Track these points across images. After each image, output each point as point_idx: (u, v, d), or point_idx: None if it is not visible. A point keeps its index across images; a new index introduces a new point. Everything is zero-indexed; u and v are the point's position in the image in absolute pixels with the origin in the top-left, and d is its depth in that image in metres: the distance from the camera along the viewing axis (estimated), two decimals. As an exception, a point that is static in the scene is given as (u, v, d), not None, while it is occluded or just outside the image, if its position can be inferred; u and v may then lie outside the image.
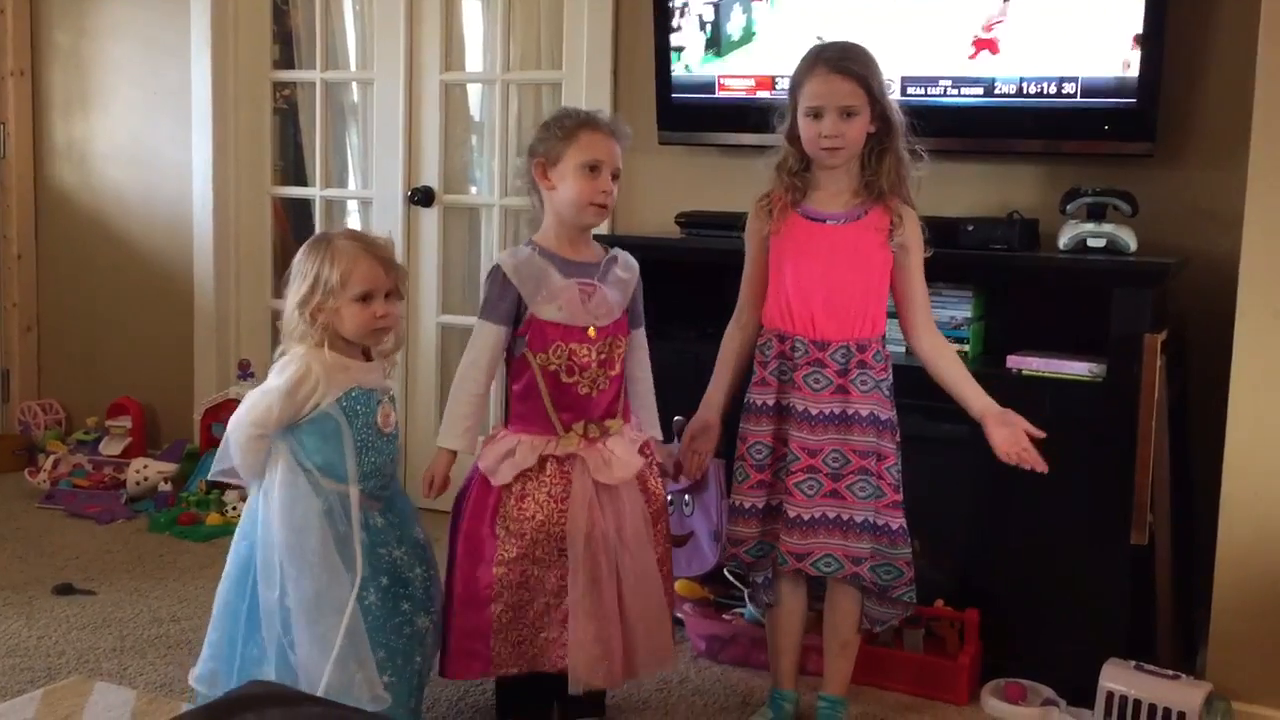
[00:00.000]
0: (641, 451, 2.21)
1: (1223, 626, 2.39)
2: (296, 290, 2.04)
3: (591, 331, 2.15)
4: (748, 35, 2.94)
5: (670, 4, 3.06)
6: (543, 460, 2.14)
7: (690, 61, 3.04)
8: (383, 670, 2.01)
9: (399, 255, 3.61)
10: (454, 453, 2.19)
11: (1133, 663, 2.33)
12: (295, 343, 2.05)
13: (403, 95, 3.69)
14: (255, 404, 2.01)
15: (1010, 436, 2.17)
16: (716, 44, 2.97)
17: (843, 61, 2.16)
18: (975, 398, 2.23)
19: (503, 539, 2.14)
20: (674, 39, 3.03)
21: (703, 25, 2.98)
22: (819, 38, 2.85)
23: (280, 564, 2.00)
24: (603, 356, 2.16)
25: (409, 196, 3.71)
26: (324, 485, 2.03)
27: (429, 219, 3.73)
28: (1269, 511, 2.33)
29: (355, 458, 2.03)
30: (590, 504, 2.12)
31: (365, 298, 2.03)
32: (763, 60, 2.95)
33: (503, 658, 2.16)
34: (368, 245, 2.06)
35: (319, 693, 1.91)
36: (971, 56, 2.72)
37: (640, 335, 2.29)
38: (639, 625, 2.15)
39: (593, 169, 2.12)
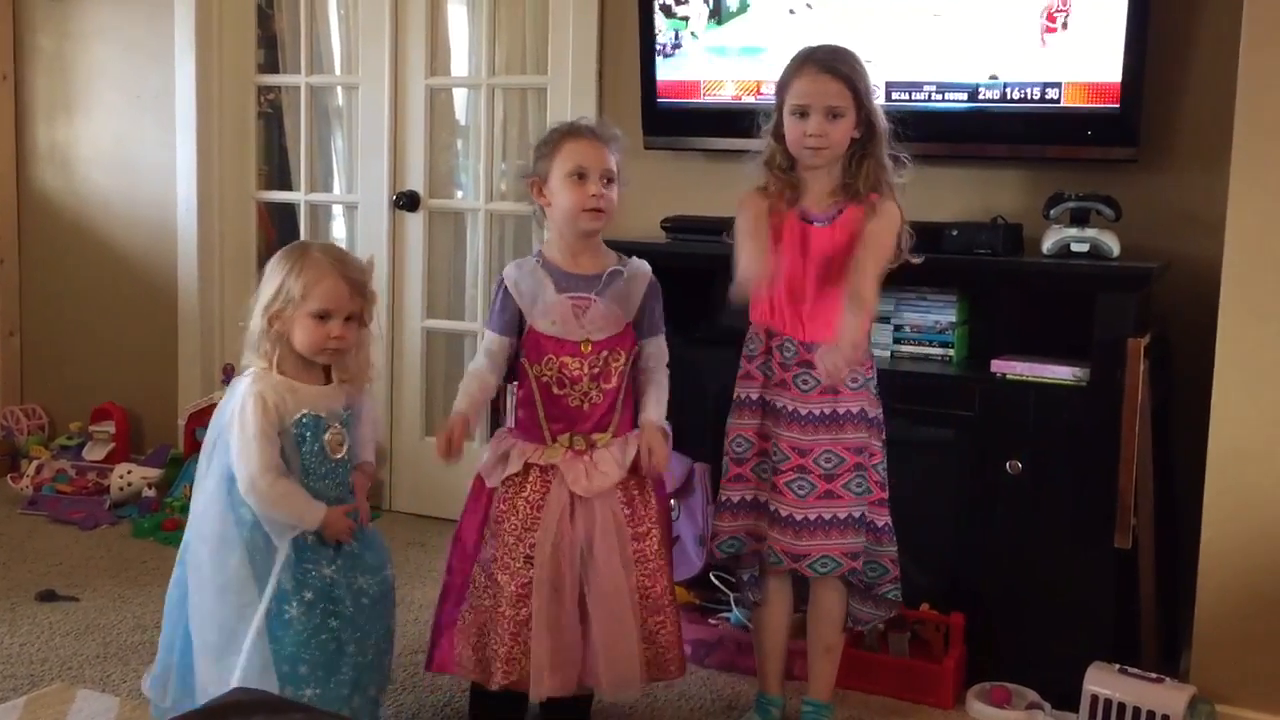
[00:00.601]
0: (634, 468, 2.21)
1: (1206, 629, 2.40)
2: (263, 294, 2.04)
3: (585, 346, 2.16)
4: (743, 6, 3.01)
5: (665, 26, 3.08)
6: (529, 468, 2.17)
7: (696, 29, 3.07)
8: (305, 684, 1.99)
9: (383, 260, 3.68)
10: (466, 418, 2.18)
11: (1117, 666, 2.34)
12: (251, 352, 2.04)
13: (388, 100, 3.69)
14: (250, 457, 1.97)
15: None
16: (718, 14, 3.04)
17: (831, 62, 2.18)
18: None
19: (486, 539, 2.18)
20: (679, 10, 3.08)
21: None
22: (807, 5, 2.88)
23: (198, 570, 2.02)
24: (595, 370, 2.17)
25: (394, 201, 3.71)
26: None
27: (414, 223, 3.72)
28: (1252, 515, 2.34)
29: (300, 482, 2.02)
30: (561, 515, 2.14)
31: (323, 315, 2.00)
32: (752, 33, 2.99)
33: (464, 659, 2.18)
34: (339, 263, 2.03)
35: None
36: (1042, 44, 2.71)
37: (654, 344, 2.25)
38: (602, 646, 2.14)
39: (580, 176, 2.14)
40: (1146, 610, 2.58)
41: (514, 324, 2.19)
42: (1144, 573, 2.55)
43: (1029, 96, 2.75)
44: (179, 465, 3.72)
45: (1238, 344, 2.34)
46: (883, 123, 2.22)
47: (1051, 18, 2.70)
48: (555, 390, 2.17)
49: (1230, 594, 2.37)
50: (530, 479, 2.16)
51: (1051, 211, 2.67)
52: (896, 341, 2.77)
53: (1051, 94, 2.73)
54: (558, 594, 2.13)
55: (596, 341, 2.17)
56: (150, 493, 3.66)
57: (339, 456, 2.06)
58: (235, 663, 1.97)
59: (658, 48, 3.11)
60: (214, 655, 2.01)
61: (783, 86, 2.22)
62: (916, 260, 2.29)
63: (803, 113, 2.17)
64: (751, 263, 2.13)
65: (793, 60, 2.23)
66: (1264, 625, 2.35)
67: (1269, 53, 2.28)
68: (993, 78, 2.76)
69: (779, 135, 2.23)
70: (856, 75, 2.18)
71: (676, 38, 3.10)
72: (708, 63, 3.06)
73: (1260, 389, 2.33)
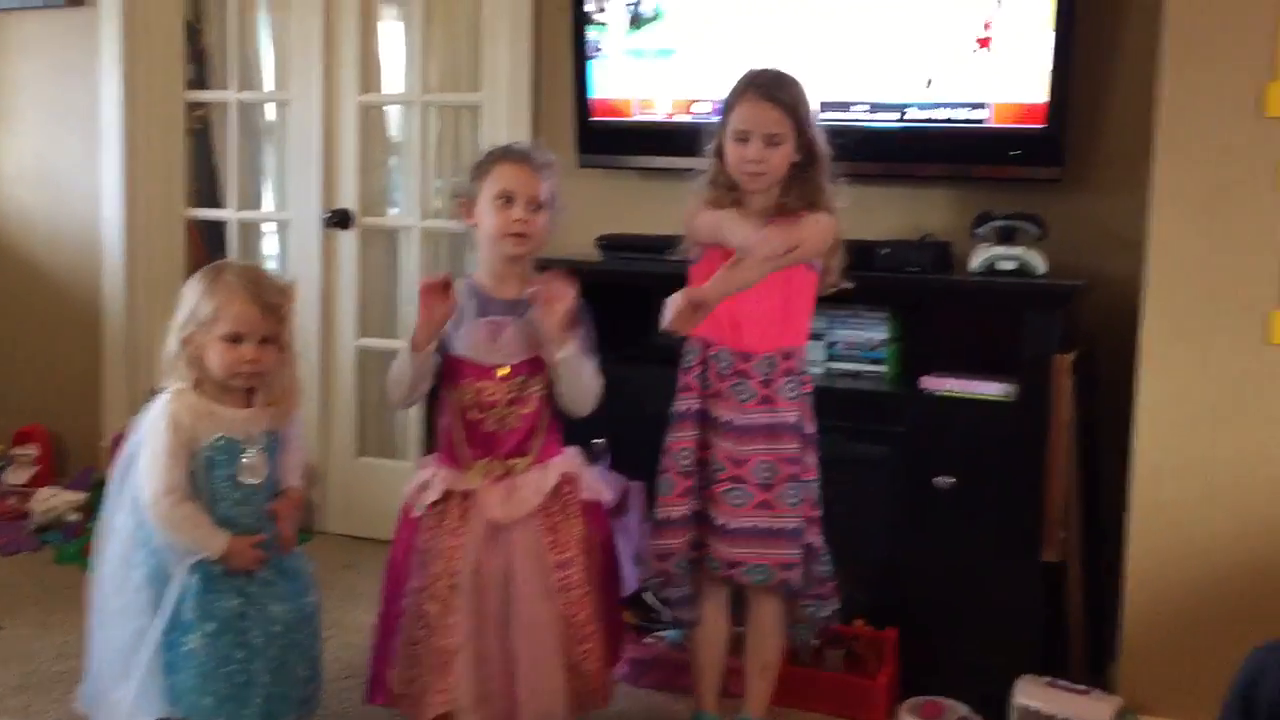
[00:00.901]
0: (560, 489, 2.19)
1: (1132, 641, 2.44)
2: (177, 316, 2.01)
3: (502, 370, 2.15)
4: (658, 14, 3.06)
5: (588, 32, 3.09)
6: (450, 495, 2.15)
7: (617, 36, 3.10)
8: (212, 716, 1.96)
9: (315, 278, 3.63)
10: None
11: (1046, 678, 2.37)
12: (169, 374, 2.01)
13: (320, 116, 3.65)
14: (154, 477, 1.95)
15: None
16: (636, 21, 3.09)
17: (772, 90, 2.21)
18: None
19: (414, 568, 2.16)
20: (600, 18, 3.11)
21: (627, 6, 3.09)
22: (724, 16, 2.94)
23: (101, 588, 2.01)
24: (513, 395, 2.16)
25: (326, 219, 3.67)
26: None
27: (347, 241, 3.68)
28: (1176, 528, 2.39)
29: (208, 508, 1.99)
30: (481, 543, 2.12)
31: (234, 338, 1.97)
32: (667, 37, 3.04)
33: (400, 691, 2.16)
34: (252, 285, 2.00)
35: None
36: (975, 51, 2.76)
37: None
38: (524, 677, 2.12)
39: (506, 200, 2.13)
40: (1075, 622, 2.61)
41: (437, 343, 2.18)
42: (1072, 586, 2.59)
43: (957, 117, 2.79)
44: (104, 489, 3.63)
45: (1159, 360, 2.39)
46: (823, 148, 2.24)
47: (980, 40, 2.75)
48: (473, 415, 2.15)
49: (1156, 606, 2.41)
50: (451, 506, 2.15)
51: (979, 230, 2.71)
52: (830, 359, 2.79)
53: (979, 114, 2.77)
54: (483, 625, 2.11)
55: (514, 366, 2.15)
56: (75, 517, 3.58)
57: (252, 482, 2.02)
58: (129, 688, 1.94)
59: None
60: (110, 678, 1.98)
61: (726, 109, 2.25)
62: (849, 285, 2.31)
63: (743, 138, 2.20)
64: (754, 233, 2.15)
65: (736, 84, 2.26)
66: (1189, 636, 2.39)
67: (1187, 76, 2.34)
68: (929, 84, 2.80)
69: (721, 154, 2.26)
70: (797, 103, 2.21)
71: (598, 40, 3.13)
72: (627, 66, 3.08)
73: (1182, 404, 2.38)
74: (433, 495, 2.15)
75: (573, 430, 2.29)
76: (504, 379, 2.15)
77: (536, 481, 2.16)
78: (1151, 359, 2.40)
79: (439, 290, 2.09)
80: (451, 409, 2.18)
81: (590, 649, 2.18)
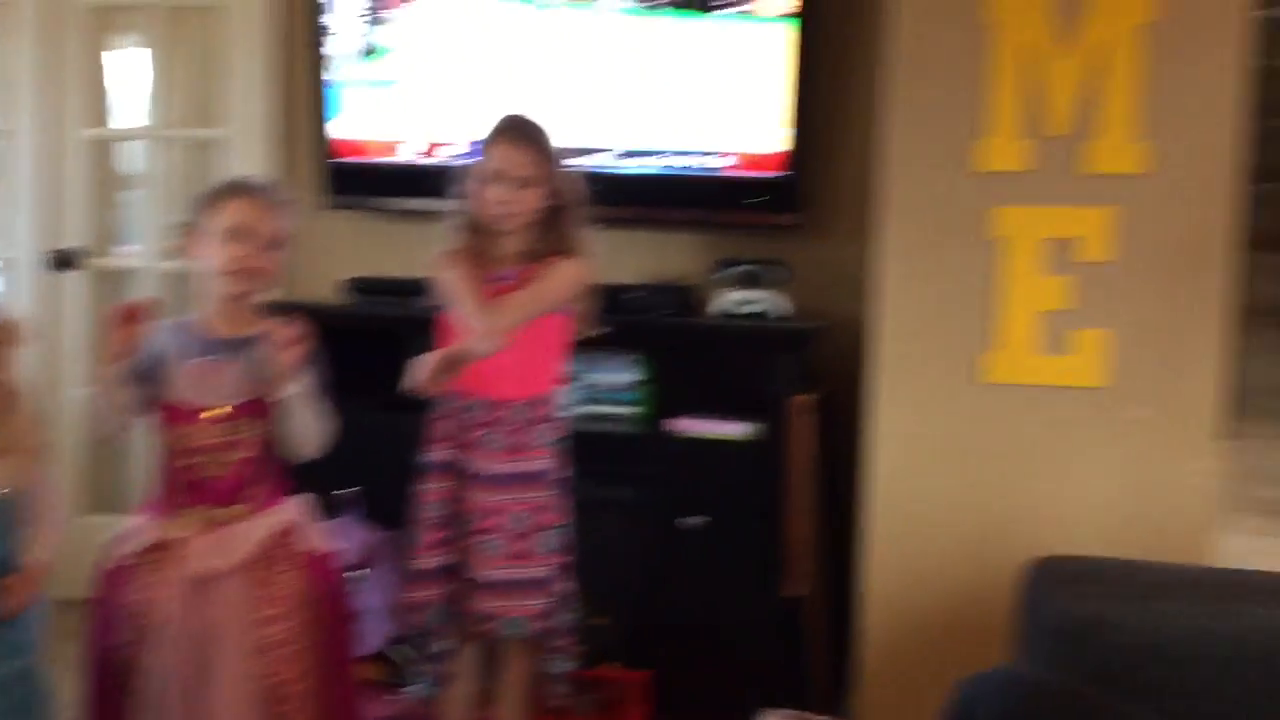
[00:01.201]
0: (284, 539, 2.09)
1: (870, 670, 2.54)
2: None
3: (216, 412, 2.05)
4: (383, 50, 3.08)
5: (326, 75, 3.06)
6: (158, 544, 2.04)
7: (349, 65, 3.08)
8: None
9: (36, 325, 3.36)
10: None
11: (787, 711, 2.43)
12: None
13: (39, 150, 3.41)
14: None
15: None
16: (366, 51, 3.09)
17: (522, 134, 2.25)
18: None
19: (125, 622, 2.03)
20: (329, 51, 3.09)
21: (361, 36, 3.10)
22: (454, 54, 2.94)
23: None
24: (225, 439, 2.06)
25: (48, 259, 3.42)
26: None
27: (73, 283, 3.44)
28: (908, 559, 2.50)
29: None
30: (183, 595, 2.01)
31: None
32: (391, 70, 3.06)
33: None
34: None
35: None
36: (718, 100, 2.86)
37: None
38: None
39: (234, 236, 2.05)
40: (817, 654, 2.70)
41: (149, 381, 2.06)
42: (813, 618, 2.68)
43: (703, 164, 2.88)
44: None
45: (887, 399, 2.51)
46: (573, 193, 2.28)
47: (723, 89, 2.86)
48: (183, 460, 2.06)
49: (891, 635, 2.51)
50: (158, 556, 2.04)
51: (724, 274, 2.80)
52: (584, 401, 2.80)
53: (724, 162, 2.87)
54: (169, 682, 2.00)
55: (232, 407, 2.07)
56: None
57: None
58: None
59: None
60: None
61: (479, 153, 2.26)
62: (600, 331, 2.34)
63: (495, 179, 2.22)
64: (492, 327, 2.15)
65: (492, 128, 2.28)
66: (923, 664, 2.49)
67: (905, 131, 2.48)
68: (668, 145, 2.87)
69: (472, 198, 2.25)
70: (549, 148, 2.26)
71: (334, 77, 3.10)
72: (369, 107, 3.06)
73: (908, 441, 2.50)
74: (132, 546, 2.03)
75: (322, 478, 2.20)
76: (214, 421, 2.05)
77: (248, 532, 2.06)
78: (880, 398, 2.52)
79: (123, 319, 1.97)
80: (163, 454, 2.08)
81: (292, 708, 2.07)
